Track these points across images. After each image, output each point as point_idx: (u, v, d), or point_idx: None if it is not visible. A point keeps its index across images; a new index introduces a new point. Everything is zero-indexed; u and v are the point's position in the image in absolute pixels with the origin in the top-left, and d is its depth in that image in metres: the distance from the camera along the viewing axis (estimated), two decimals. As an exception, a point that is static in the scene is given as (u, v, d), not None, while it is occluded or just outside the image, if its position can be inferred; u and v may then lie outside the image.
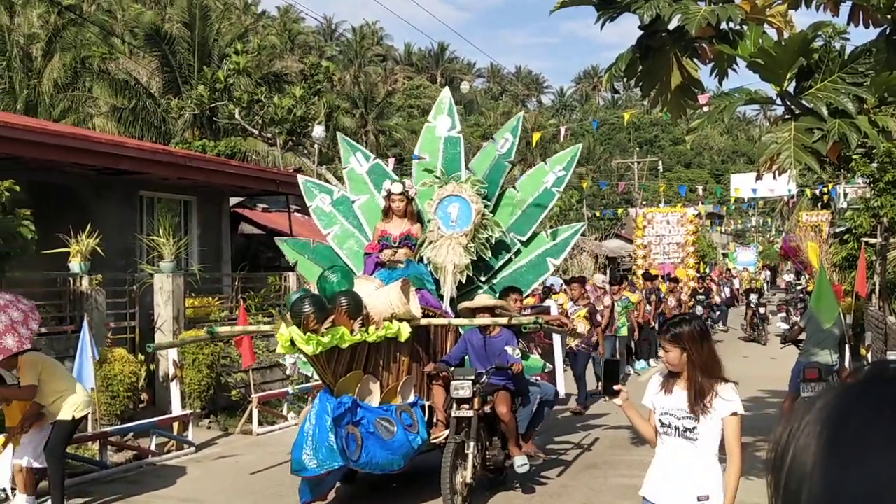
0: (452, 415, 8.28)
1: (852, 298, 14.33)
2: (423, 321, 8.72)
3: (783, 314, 26.49)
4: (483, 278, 10.09)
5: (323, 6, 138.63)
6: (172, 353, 12.04)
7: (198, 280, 14.31)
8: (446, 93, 11.33)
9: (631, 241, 36.50)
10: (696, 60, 6.41)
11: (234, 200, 20.48)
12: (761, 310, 24.89)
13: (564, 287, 18.77)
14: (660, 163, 60.17)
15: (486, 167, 10.43)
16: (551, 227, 10.40)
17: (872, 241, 18.09)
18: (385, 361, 8.36)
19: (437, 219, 9.81)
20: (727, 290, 34.61)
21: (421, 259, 9.72)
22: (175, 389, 11.90)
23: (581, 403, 14.02)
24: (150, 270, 13.81)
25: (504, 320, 8.62)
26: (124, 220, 15.53)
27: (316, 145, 30.46)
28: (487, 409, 8.50)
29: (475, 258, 9.74)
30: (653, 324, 19.94)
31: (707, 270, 38.77)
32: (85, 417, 8.95)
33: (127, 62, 32.98)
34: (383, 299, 8.25)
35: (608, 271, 32.29)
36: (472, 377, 8.24)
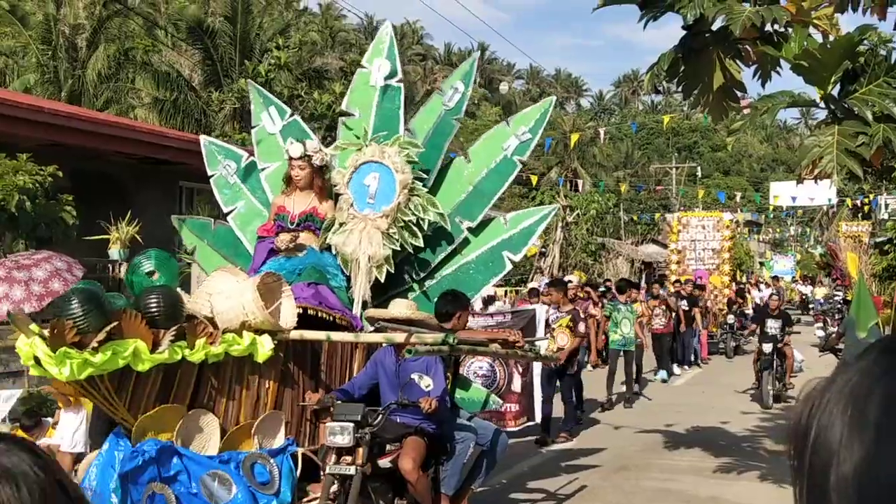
0: (327, 470, 5.89)
1: (892, 310, 14.16)
2: (296, 334, 6.24)
3: (820, 324, 26.26)
4: (416, 275, 7.65)
5: (364, 4, 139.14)
6: None
7: (234, 271, 14.44)
8: (386, 28, 8.47)
9: (666, 247, 36.28)
10: (738, 62, 6.37)
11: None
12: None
13: (577, 286, 17.30)
14: (698, 169, 59.80)
15: (428, 127, 7.89)
16: (534, 220, 7.60)
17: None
18: (230, 390, 5.97)
19: (349, 193, 7.43)
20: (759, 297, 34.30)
21: (329, 248, 7.44)
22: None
23: (566, 430, 11.62)
24: (188, 260, 13.91)
25: (430, 338, 5.91)
26: (164, 209, 15.68)
27: (354, 142, 30.58)
28: (387, 461, 6.13)
29: (398, 248, 7.32)
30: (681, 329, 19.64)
31: (744, 279, 38.43)
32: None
33: (170, 54, 33.31)
34: (235, 302, 5.98)
35: (643, 276, 32.09)
36: (358, 416, 5.84)
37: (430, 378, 6.29)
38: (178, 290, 6.09)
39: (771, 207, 38.76)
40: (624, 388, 14.98)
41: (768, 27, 5.93)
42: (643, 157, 76.72)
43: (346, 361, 6.94)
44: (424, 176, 7.59)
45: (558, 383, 11.80)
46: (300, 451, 6.28)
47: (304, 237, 7.34)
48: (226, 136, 26.88)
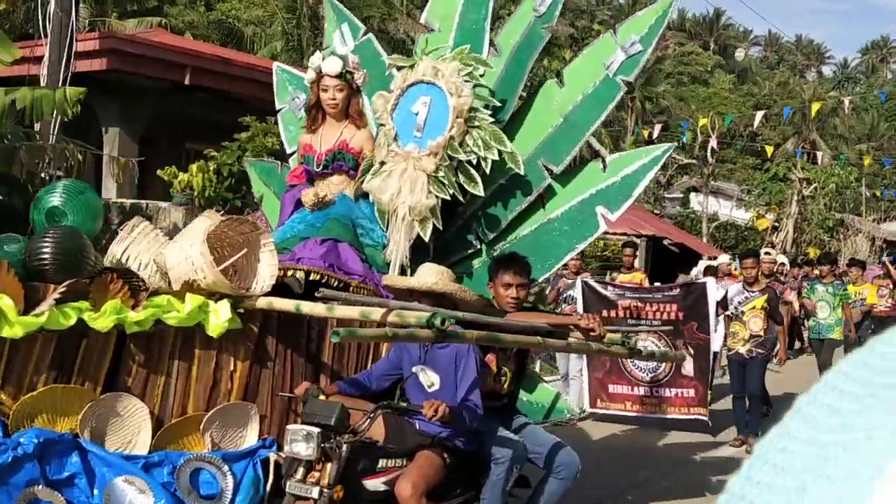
0: (287, 489, 4.25)
1: None
2: (263, 302, 4.57)
3: None
4: (484, 236, 5.90)
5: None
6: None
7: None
8: None
9: (913, 225, 33.90)
10: None
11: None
12: None
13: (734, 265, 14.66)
14: (954, 142, 55.23)
15: (514, 41, 6.01)
16: (641, 163, 5.70)
17: None
18: (169, 371, 4.44)
19: (391, 124, 5.65)
20: None
21: (366, 195, 5.72)
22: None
23: (746, 435, 9.38)
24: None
25: (414, 317, 4.15)
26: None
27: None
28: (380, 482, 4.46)
29: (449, 197, 5.51)
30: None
31: None
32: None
33: (405, 23, 34.29)
34: (183, 255, 4.51)
35: (885, 255, 30.15)
36: (331, 419, 4.20)
37: (439, 374, 4.70)
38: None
39: None
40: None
41: None
42: (890, 129, 71.74)
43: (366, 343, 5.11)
44: (497, 104, 5.73)
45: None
46: (273, 456, 4.55)
47: (336, 181, 5.76)
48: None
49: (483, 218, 5.91)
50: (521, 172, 5.65)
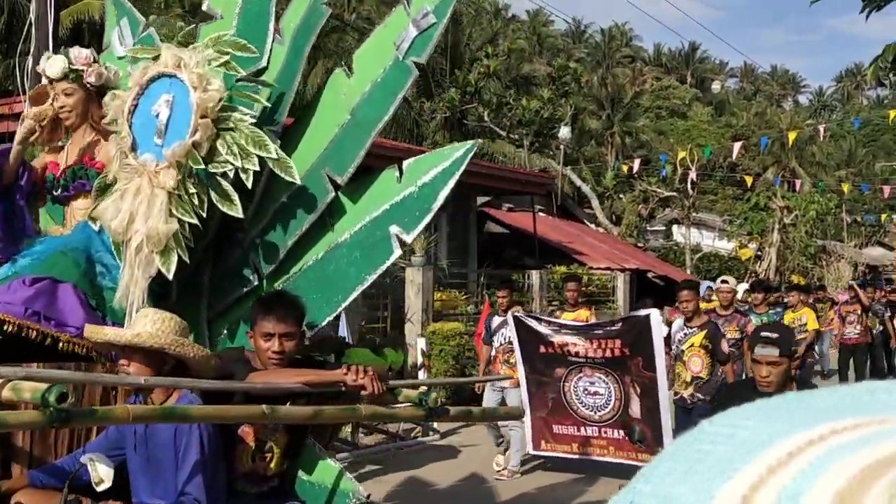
0: None
1: None
2: None
3: None
4: (261, 268, 4.70)
5: (572, 8, 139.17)
6: (421, 343, 12.59)
7: (446, 275, 14.88)
8: None
9: (893, 249, 34.19)
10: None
11: (481, 200, 21.12)
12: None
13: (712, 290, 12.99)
14: (931, 166, 55.82)
15: (295, 24, 4.93)
16: (442, 168, 4.48)
17: None
18: None
19: (127, 129, 4.46)
20: None
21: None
22: (422, 378, 12.44)
23: None
24: (402, 264, 14.53)
25: (29, 389, 3.11)
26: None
27: (561, 146, 30.72)
28: None
29: (196, 221, 4.29)
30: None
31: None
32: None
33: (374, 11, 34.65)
34: None
35: (867, 279, 30.40)
36: None
37: (152, 458, 3.64)
38: None
39: None
40: None
41: None
42: (867, 154, 72.49)
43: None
44: (264, 102, 4.67)
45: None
46: None
47: (82, 206, 4.69)
48: (437, 146, 27.67)
49: (261, 245, 4.72)
50: (297, 183, 4.49)
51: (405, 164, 4.60)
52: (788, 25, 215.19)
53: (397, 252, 4.51)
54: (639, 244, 30.24)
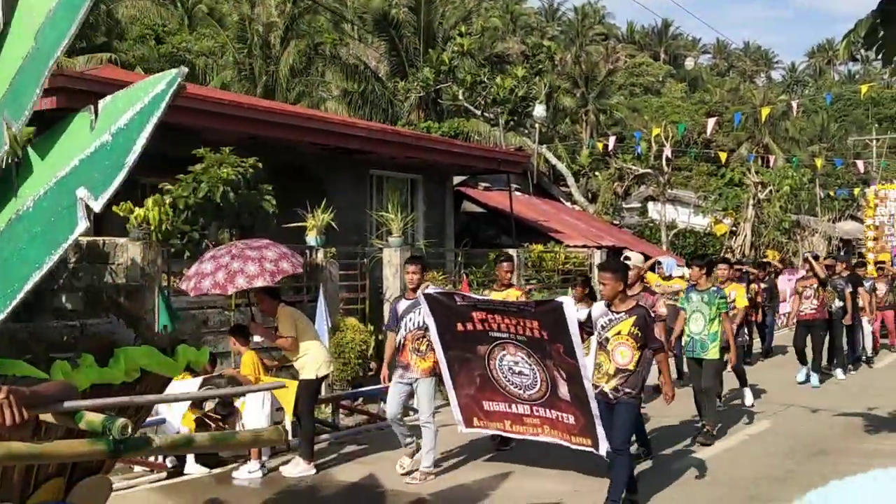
0: None
1: None
2: None
3: None
4: None
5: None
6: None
7: (423, 255, 14.83)
8: None
9: (864, 222, 34.43)
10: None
11: (457, 179, 21.11)
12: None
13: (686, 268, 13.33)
14: (902, 140, 56.18)
15: None
16: (141, 105, 3.60)
17: None
18: None
19: None
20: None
21: None
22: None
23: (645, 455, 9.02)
24: (379, 245, 14.51)
25: None
26: (356, 197, 16.34)
27: (536, 125, 30.69)
28: None
29: None
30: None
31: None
32: (327, 377, 9.50)
33: (357, 47, 34.40)
34: None
35: (841, 254, 30.64)
36: None
37: None
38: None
39: None
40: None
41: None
42: (840, 129, 72.96)
43: None
44: None
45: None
46: None
47: None
48: (412, 125, 27.58)
49: None
50: None
51: (101, 103, 3.68)
52: (761, 1, 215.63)
53: (83, 224, 3.50)
54: (615, 221, 30.32)
